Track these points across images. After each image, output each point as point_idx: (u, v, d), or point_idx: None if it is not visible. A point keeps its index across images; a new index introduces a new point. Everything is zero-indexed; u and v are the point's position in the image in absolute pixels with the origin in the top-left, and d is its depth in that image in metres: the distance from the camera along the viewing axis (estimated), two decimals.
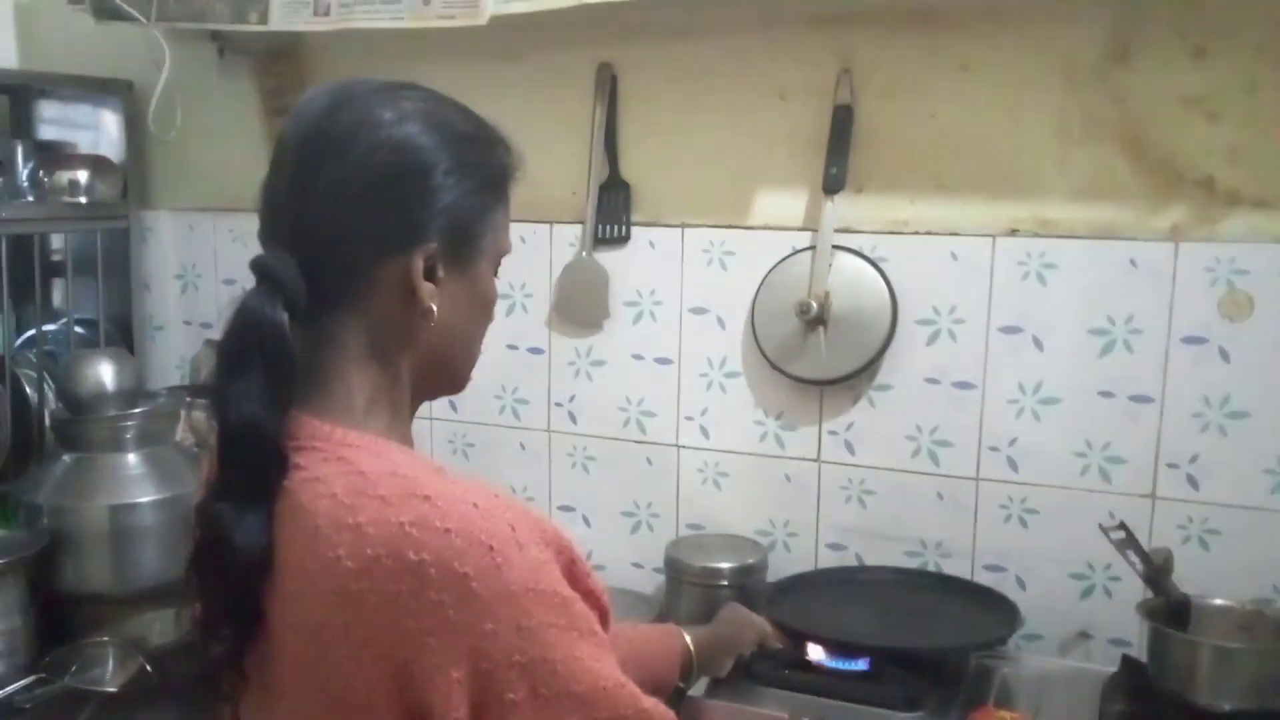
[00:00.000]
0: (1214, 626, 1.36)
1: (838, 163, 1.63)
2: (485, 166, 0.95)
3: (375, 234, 0.89)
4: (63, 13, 1.98)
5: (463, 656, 0.78)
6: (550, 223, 1.84)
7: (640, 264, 1.80)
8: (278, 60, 2.03)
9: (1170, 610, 1.35)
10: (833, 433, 1.70)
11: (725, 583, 1.63)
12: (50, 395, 1.94)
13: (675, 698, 1.35)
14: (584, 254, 1.82)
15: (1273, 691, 1.26)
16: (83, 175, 2.02)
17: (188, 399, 1.88)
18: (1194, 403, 1.49)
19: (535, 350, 1.90)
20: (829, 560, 1.72)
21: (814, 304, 1.62)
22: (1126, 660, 1.44)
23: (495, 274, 0.99)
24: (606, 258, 1.82)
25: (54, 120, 2.25)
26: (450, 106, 0.95)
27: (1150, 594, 1.37)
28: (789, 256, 1.69)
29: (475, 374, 1.02)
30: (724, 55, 1.71)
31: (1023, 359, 1.57)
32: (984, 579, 1.61)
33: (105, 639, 1.62)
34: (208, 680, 0.89)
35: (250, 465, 0.85)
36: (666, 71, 1.75)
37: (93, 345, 2.09)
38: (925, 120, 1.60)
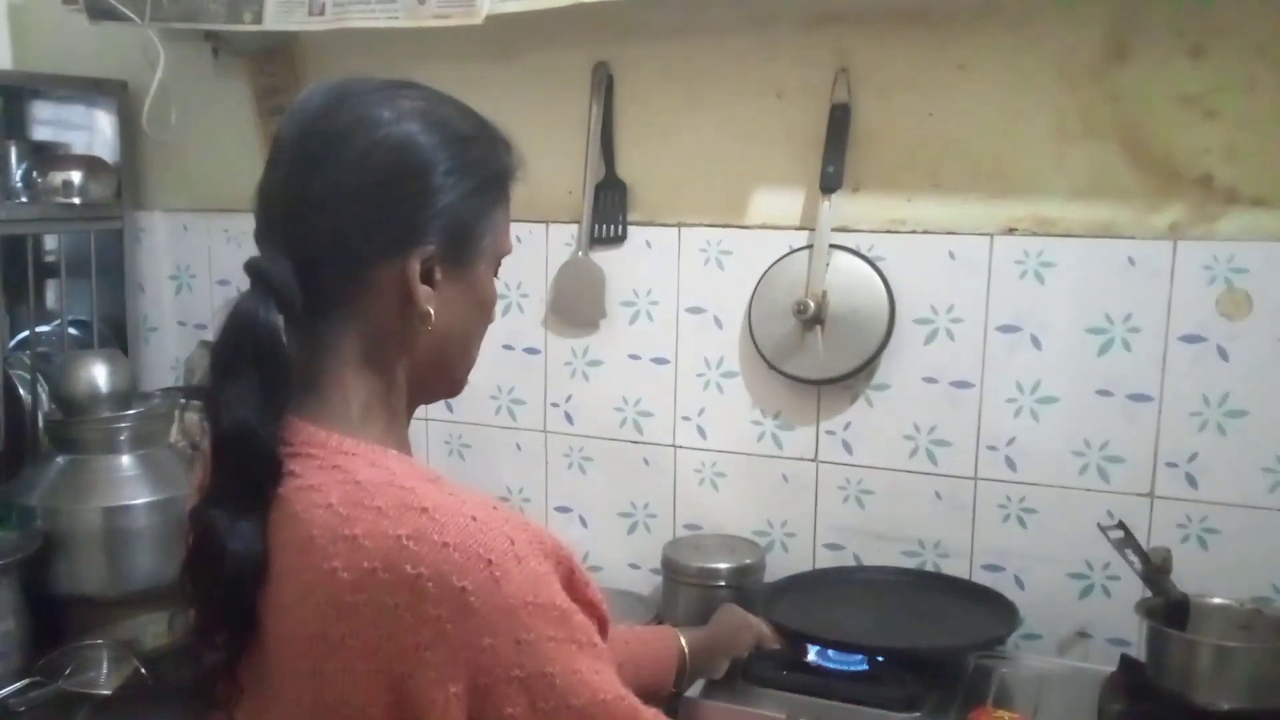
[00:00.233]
0: (1213, 625, 1.35)
1: (835, 162, 1.63)
2: (485, 166, 0.94)
3: (371, 236, 0.88)
4: (57, 13, 1.97)
5: (461, 671, 0.78)
6: (546, 222, 1.84)
7: (637, 263, 1.80)
8: (272, 60, 2.02)
9: (1169, 609, 1.34)
10: (830, 432, 1.70)
11: (722, 583, 1.63)
12: (44, 396, 1.93)
13: (672, 699, 1.34)
14: (580, 254, 1.82)
15: (1271, 690, 1.26)
16: (77, 176, 2.02)
17: (182, 400, 1.87)
18: (1192, 401, 1.49)
19: (531, 350, 1.89)
20: (827, 560, 1.72)
21: (811, 303, 1.62)
22: (1125, 660, 1.43)
23: (495, 274, 0.97)
24: (603, 257, 1.82)
25: (48, 121, 2.24)
26: (450, 105, 0.94)
27: (1149, 593, 1.37)
28: (786, 256, 1.69)
29: (471, 375, 1.01)
30: (721, 54, 1.71)
31: (1021, 358, 1.57)
32: (982, 579, 1.61)
33: (99, 642, 1.61)
34: (202, 688, 0.88)
35: (244, 471, 0.84)
36: (663, 71, 1.75)
37: (87, 346, 2.09)
38: (922, 119, 1.60)
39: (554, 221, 1.84)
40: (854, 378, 1.66)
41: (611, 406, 1.84)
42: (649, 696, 0.87)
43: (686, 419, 1.80)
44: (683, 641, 1.36)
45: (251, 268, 0.87)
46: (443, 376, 0.97)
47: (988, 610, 1.51)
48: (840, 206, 1.64)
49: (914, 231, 1.62)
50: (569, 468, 1.89)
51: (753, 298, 1.71)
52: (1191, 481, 1.50)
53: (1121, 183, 1.50)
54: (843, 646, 1.42)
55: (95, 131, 2.20)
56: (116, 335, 2.18)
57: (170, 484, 1.70)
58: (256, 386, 0.84)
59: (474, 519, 0.80)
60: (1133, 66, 1.48)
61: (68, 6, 1.92)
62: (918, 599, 1.57)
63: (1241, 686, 1.27)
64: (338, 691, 0.80)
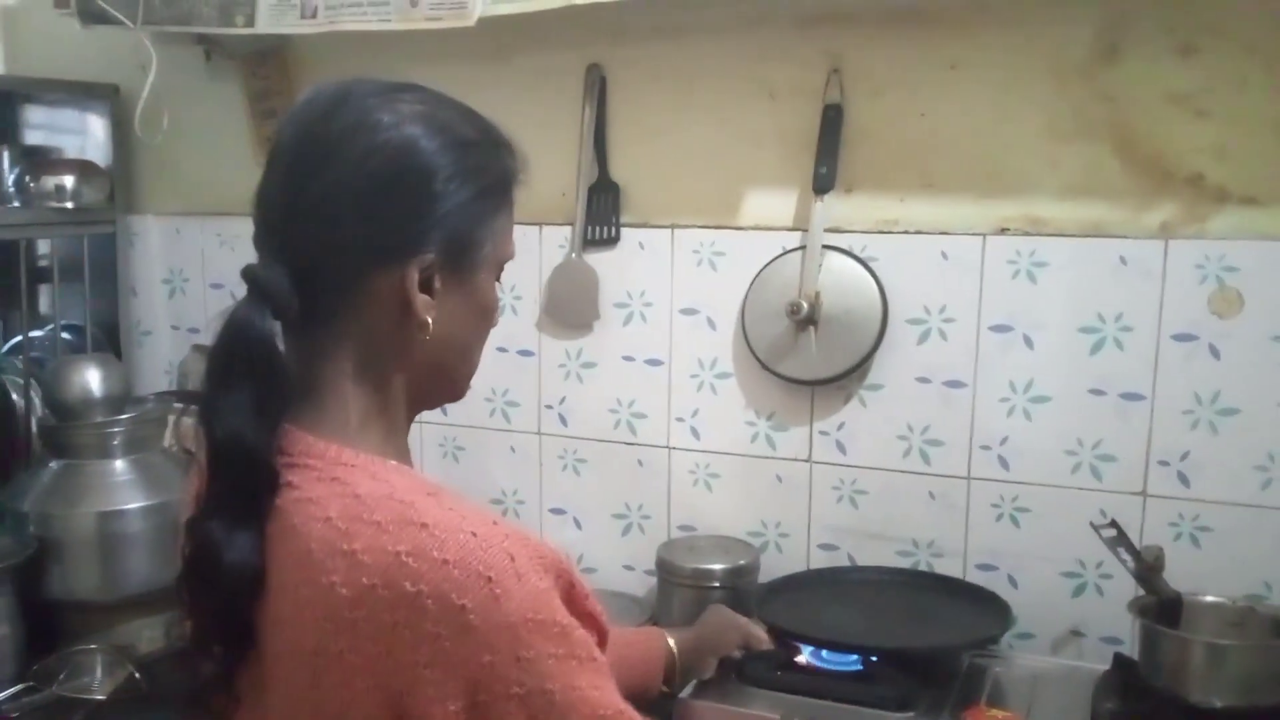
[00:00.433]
0: (1205, 624, 1.36)
1: (827, 162, 1.63)
2: (488, 172, 0.92)
3: (368, 244, 0.87)
4: (48, 17, 1.97)
5: (460, 689, 0.77)
6: (540, 224, 1.84)
7: (630, 265, 1.80)
8: (265, 63, 2.02)
9: (1162, 607, 1.35)
10: (824, 433, 1.70)
11: (717, 584, 1.63)
12: (37, 401, 1.93)
13: (662, 699, 1.34)
14: (573, 255, 1.82)
15: (1264, 688, 1.26)
16: (69, 180, 2.01)
17: (176, 404, 1.87)
18: (1184, 400, 1.49)
19: (525, 353, 1.89)
20: (821, 561, 1.72)
21: (804, 304, 1.62)
22: (1119, 658, 1.44)
23: (498, 280, 0.96)
24: (596, 259, 1.82)
25: (40, 125, 2.24)
26: (453, 109, 0.92)
27: (1142, 591, 1.37)
28: (779, 257, 1.69)
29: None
30: (713, 55, 1.71)
31: (1013, 357, 1.57)
32: (976, 578, 1.61)
33: (93, 646, 1.61)
34: (199, 698, 0.88)
35: (240, 482, 0.83)
36: (655, 72, 1.75)
37: (79, 351, 2.08)
38: (915, 119, 1.60)
39: (547, 223, 1.84)
40: (847, 378, 1.66)
41: (605, 408, 1.84)
42: (636, 698, 0.86)
43: (680, 420, 1.80)
44: (670, 642, 1.36)
45: (247, 275, 0.86)
46: (444, 384, 0.96)
47: (981, 609, 1.51)
48: (833, 207, 1.64)
49: (906, 232, 1.62)
50: (563, 469, 1.89)
51: (746, 299, 1.71)
52: (1184, 480, 1.50)
53: (1113, 182, 1.51)
54: (837, 646, 1.42)
55: (88, 135, 2.20)
56: (110, 340, 2.17)
57: (164, 488, 1.70)
58: (252, 396, 0.83)
59: (474, 535, 0.79)
60: (1124, 66, 1.49)
61: (59, 10, 1.91)
62: (911, 599, 1.58)
63: (1234, 684, 1.27)
64: (336, 706, 0.79)
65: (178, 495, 1.59)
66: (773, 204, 1.70)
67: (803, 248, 1.66)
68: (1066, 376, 1.55)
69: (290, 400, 0.86)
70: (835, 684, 1.37)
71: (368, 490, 0.83)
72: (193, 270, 2.18)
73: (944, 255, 1.60)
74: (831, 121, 1.63)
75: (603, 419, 1.85)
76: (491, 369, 1.88)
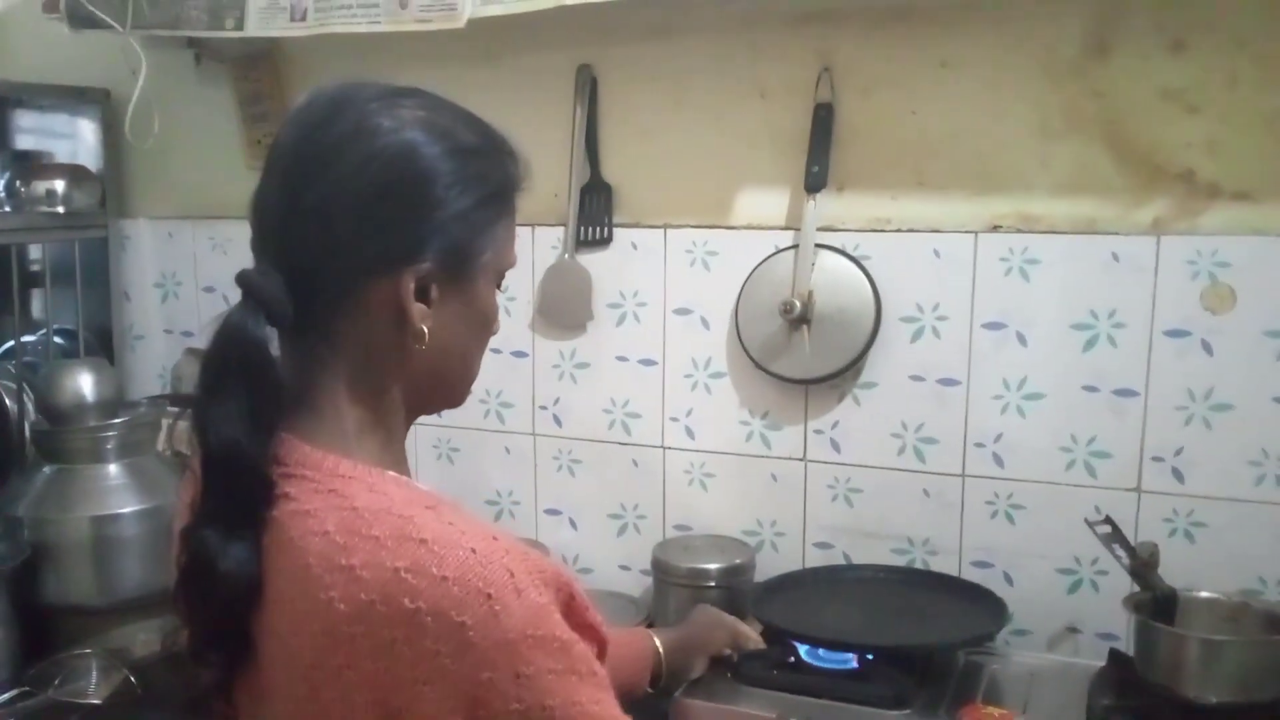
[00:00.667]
0: (1201, 619, 1.36)
1: (819, 161, 1.63)
2: (489, 180, 0.90)
3: (364, 251, 0.85)
4: (38, 22, 1.96)
5: (459, 705, 0.76)
6: (532, 225, 1.84)
7: (623, 265, 1.80)
8: (255, 66, 2.02)
9: (1157, 603, 1.35)
10: (818, 431, 1.70)
11: (712, 584, 1.63)
12: (30, 406, 1.92)
13: (658, 699, 1.34)
14: (566, 256, 1.82)
15: (1259, 683, 1.26)
16: (60, 185, 2.01)
17: (169, 409, 1.87)
18: (1178, 396, 1.49)
19: (519, 354, 1.89)
20: (816, 559, 1.72)
21: (797, 303, 1.62)
22: (1114, 654, 1.44)
23: (498, 288, 0.94)
24: (589, 260, 1.82)
25: (30, 130, 2.23)
26: (454, 114, 0.91)
27: (1137, 588, 1.37)
28: (772, 256, 1.69)
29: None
30: (704, 55, 1.71)
31: (1006, 355, 1.57)
32: (971, 575, 1.61)
33: (88, 651, 1.61)
34: (197, 707, 0.87)
35: (233, 491, 0.82)
36: (647, 72, 1.75)
37: (72, 355, 2.08)
38: (906, 118, 1.60)
39: (540, 224, 1.83)
40: (841, 377, 1.66)
41: (600, 408, 1.84)
42: (623, 698, 0.86)
43: (675, 420, 1.80)
44: (657, 642, 1.35)
45: (242, 280, 0.84)
46: (442, 392, 0.95)
47: (977, 607, 1.51)
48: (825, 206, 1.64)
49: (899, 230, 1.62)
50: (558, 470, 1.89)
51: (739, 298, 1.71)
52: (1178, 476, 1.50)
53: (1105, 179, 1.51)
54: (833, 645, 1.42)
55: (78, 140, 2.19)
56: (102, 344, 2.17)
57: (157, 492, 1.70)
58: (245, 403, 0.82)
59: (473, 551, 0.78)
60: (1114, 62, 1.49)
61: (49, 15, 1.91)
62: (907, 597, 1.58)
63: (1230, 679, 1.27)
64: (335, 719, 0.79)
65: (171, 499, 1.59)
66: (765, 203, 1.70)
67: (795, 247, 1.66)
68: (1060, 373, 1.55)
69: (285, 408, 0.85)
70: (831, 682, 1.37)
71: (366, 503, 0.81)
72: (185, 274, 2.17)
73: (936, 253, 1.60)
74: (823, 120, 1.63)
75: (597, 419, 1.85)
76: (486, 370, 1.87)
